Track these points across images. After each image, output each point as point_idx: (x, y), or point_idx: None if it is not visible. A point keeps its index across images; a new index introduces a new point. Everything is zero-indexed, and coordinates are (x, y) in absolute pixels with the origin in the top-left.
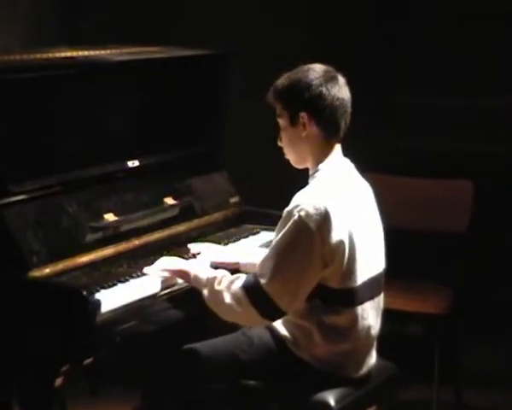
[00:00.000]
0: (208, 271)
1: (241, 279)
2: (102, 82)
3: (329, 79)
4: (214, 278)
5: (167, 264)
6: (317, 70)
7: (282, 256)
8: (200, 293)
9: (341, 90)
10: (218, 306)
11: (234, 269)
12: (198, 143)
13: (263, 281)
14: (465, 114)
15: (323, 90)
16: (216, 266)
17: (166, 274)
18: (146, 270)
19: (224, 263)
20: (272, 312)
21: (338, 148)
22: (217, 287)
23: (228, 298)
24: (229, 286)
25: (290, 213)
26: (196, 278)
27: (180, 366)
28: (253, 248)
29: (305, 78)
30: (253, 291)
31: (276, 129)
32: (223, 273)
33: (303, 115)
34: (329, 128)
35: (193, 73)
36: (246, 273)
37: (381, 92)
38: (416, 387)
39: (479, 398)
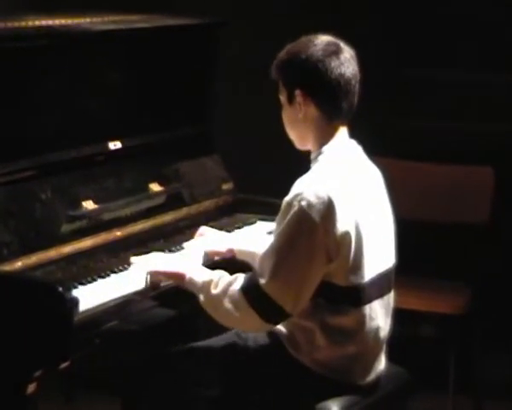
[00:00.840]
0: (204, 272)
1: (239, 281)
2: (80, 54)
3: (330, 53)
4: (210, 281)
5: (158, 264)
6: (317, 43)
7: (282, 252)
8: (189, 291)
9: (343, 67)
10: (216, 311)
11: (229, 258)
12: (187, 124)
13: (262, 281)
14: (488, 91)
15: (320, 66)
16: (209, 259)
17: (158, 276)
18: (134, 263)
19: (218, 252)
20: (275, 314)
21: (343, 130)
22: (213, 291)
23: (226, 303)
24: (226, 289)
25: (290, 204)
26: (191, 281)
27: (167, 371)
28: (253, 236)
29: (303, 51)
30: (252, 293)
31: (275, 106)
32: (219, 275)
33: (298, 93)
34: (328, 109)
35: (181, 44)
36: (243, 263)
37: (391, 68)
38: (430, 395)
39: (498, 409)
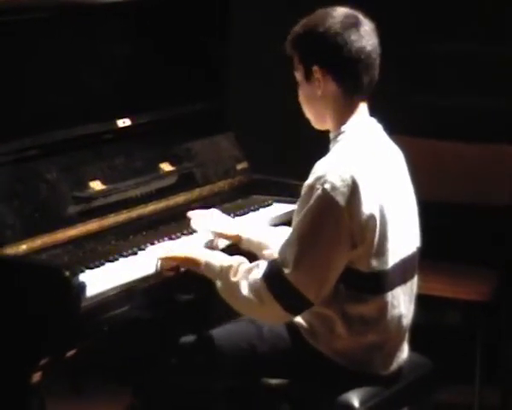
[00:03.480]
0: (222, 257)
1: (260, 268)
2: (86, 27)
3: (349, 25)
4: (229, 266)
5: (171, 250)
6: (335, 15)
7: (306, 239)
8: (201, 275)
9: (364, 40)
10: (234, 298)
11: (232, 244)
12: (200, 99)
13: (287, 270)
14: None
15: (339, 39)
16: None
17: (170, 263)
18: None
19: (223, 235)
20: (298, 305)
21: (363, 106)
22: (232, 278)
23: (246, 291)
24: (246, 277)
25: (312, 187)
26: (208, 267)
27: (178, 360)
28: (262, 225)
29: (320, 25)
30: (275, 283)
31: (294, 82)
32: (239, 261)
33: (316, 70)
34: (349, 85)
35: (192, 16)
36: (244, 251)
37: (411, 41)
38: (455, 387)
39: None
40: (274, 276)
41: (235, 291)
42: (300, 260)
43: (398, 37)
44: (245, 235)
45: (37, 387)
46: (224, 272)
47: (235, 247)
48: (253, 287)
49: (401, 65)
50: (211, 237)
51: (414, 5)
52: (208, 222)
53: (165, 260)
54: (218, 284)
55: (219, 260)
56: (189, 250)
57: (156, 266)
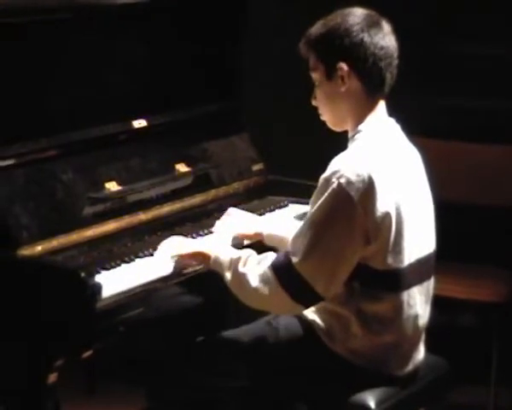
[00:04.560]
0: (231, 251)
1: (269, 258)
2: (102, 28)
3: (372, 24)
4: (238, 258)
5: (179, 247)
6: (357, 14)
7: (318, 231)
8: (218, 276)
9: (386, 38)
10: (243, 290)
11: (256, 242)
12: (215, 100)
13: (295, 260)
14: None
15: (365, 36)
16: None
17: (180, 259)
18: (159, 249)
19: (245, 235)
20: (306, 296)
21: (382, 105)
22: (241, 269)
23: (254, 280)
24: (255, 267)
25: (328, 181)
26: (217, 261)
27: (193, 360)
28: (284, 220)
29: (344, 23)
30: (283, 271)
31: (310, 82)
32: (248, 253)
33: (341, 66)
34: (373, 81)
35: (208, 17)
36: (270, 249)
37: (430, 41)
38: (470, 388)
39: None
40: (282, 265)
41: (244, 282)
42: (310, 251)
43: (415, 37)
44: (266, 231)
45: (52, 388)
46: (233, 263)
47: (260, 243)
48: (261, 277)
49: (419, 66)
50: (229, 238)
51: (433, 7)
52: (228, 224)
53: (176, 257)
54: (228, 276)
55: (228, 253)
56: (198, 245)
57: (174, 264)
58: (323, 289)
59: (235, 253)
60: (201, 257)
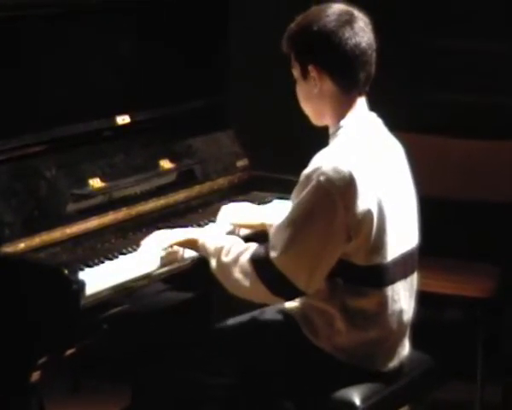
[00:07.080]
0: (217, 239)
1: (250, 250)
2: (86, 24)
3: (343, 23)
4: (222, 247)
5: (168, 238)
6: (329, 12)
7: (297, 227)
8: (202, 272)
9: (358, 37)
10: (226, 280)
11: (261, 233)
12: (199, 97)
13: (273, 254)
14: None
15: (334, 38)
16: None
17: (172, 247)
18: (143, 245)
19: (247, 225)
20: (285, 290)
21: (362, 100)
22: (224, 258)
23: (235, 272)
24: (236, 258)
25: (309, 177)
26: (203, 246)
27: (178, 358)
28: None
29: (314, 23)
30: (260, 265)
31: (293, 79)
32: (232, 242)
33: (311, 69)
34: (345, 83)
35: (192, 13)
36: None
37: (416, 37)
38: (456, 383)
39: None
40: (260, 259)
41: (227, 272)
42: (289, 246)
43: (402, 33)
44: (269, 221)
45: (36, 386)
46: (217, 252)
47: (263, 233)
48: (242, 268)
49: (406, 61)
50: (228, 229)
51: (420, 2)
52: (228, 215)
53: (168, 247)
54: (212, 263)
55: (215, 240)
56: (186, 233)
57: (164, 256)
58: (305, 285)
59: (220, 241)
60: (190, 243)
